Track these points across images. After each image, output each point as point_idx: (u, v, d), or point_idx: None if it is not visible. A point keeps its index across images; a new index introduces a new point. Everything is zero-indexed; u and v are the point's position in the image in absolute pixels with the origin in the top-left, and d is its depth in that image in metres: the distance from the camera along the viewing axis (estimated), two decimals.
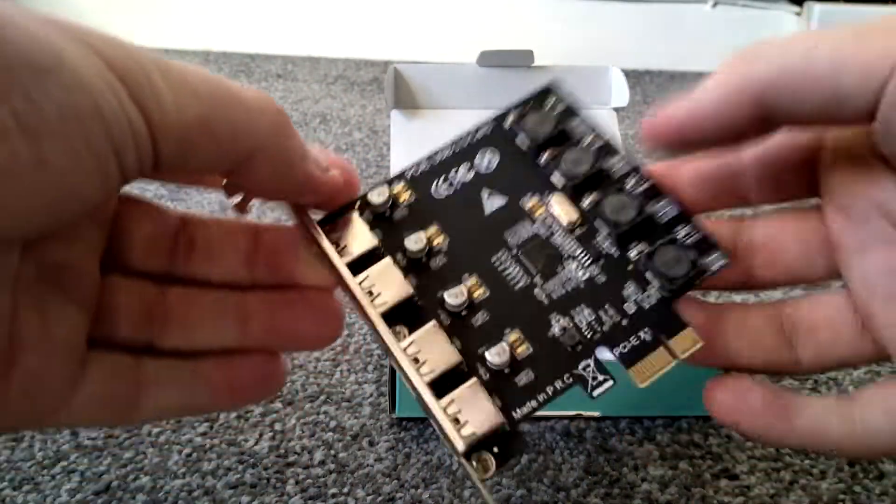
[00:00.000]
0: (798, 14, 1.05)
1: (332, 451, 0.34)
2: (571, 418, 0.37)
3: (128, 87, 0.14)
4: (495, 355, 0.18)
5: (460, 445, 0.17)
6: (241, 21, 1.09)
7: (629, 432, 0.37)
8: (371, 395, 0.38)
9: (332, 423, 0.36)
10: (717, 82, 0.16)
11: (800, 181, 0.20)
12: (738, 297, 0.38)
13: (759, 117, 0.16)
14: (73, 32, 0.14)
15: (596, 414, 0.37)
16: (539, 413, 0.37)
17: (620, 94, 0.52)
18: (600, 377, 0.18)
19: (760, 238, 0.20)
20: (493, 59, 0.51)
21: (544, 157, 0.21)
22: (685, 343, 0.18)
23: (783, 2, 1.06)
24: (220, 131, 0.16)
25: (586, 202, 0.20)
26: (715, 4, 1.06)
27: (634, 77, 1.02)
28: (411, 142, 0.51)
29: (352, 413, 0.37)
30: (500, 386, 0.19)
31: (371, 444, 0.35)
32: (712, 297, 0.32)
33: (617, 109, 0.53)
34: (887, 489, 0.33)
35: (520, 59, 0.52)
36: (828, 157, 0.19)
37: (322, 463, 0.33)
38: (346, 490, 0.32)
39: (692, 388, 0.37)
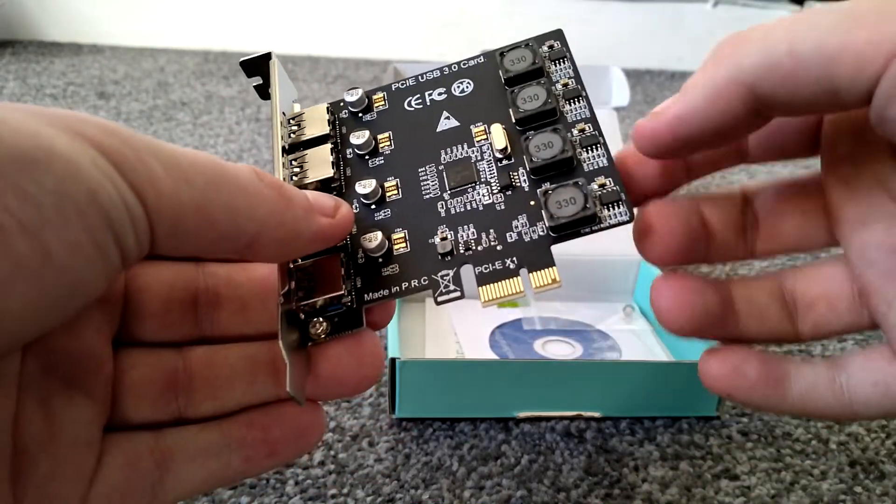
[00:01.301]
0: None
1: (332, 452, 0.34)
2: (571, 419, 0.37)
3: (122, 171, 0.14)
4: (367, 241, 0.20)
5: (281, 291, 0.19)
6: (241, 21, 1.09)
7: (630, 433, 0.37)
8: (371, 395, 0.38)
9: (332, 424, 0.36)
10: (705, 79, 0.16)
11: (800, 142, 0.20)
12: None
13: (751, 111, 0.16)
14: (62, 122, 0.14)
15: (596, 414, 0.37)
16: (538, 413, 0.37)
17: (621, 93, 0.52)
18: (452, 287, 0.19)
19: (762, 212, 0.20)
20: None
21: (512, 89, 0.22)
22: (543, 279, 0.19)
23: (783, 1, 1.06)
24: (217, 217, 0.15)
25: (526, 136, 0.21)
26: (715, 4, 1.06)
27: (635, 77, 1.02)
28: None
29: (351, 413, 0.37)
30: (367, 271, 0.20)
31: (371, 444, 0.35)
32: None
33: (617, 109, 0.53)
34: (888, 489, 0.33)
35: None
36: (830, 127, 0.18)
37: (322, 463, 0.33)
38: (345, 491, 0.32)
39: (693, 389, 0.37)
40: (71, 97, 0.85)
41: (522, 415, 0.37)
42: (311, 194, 0.19)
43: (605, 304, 0.47)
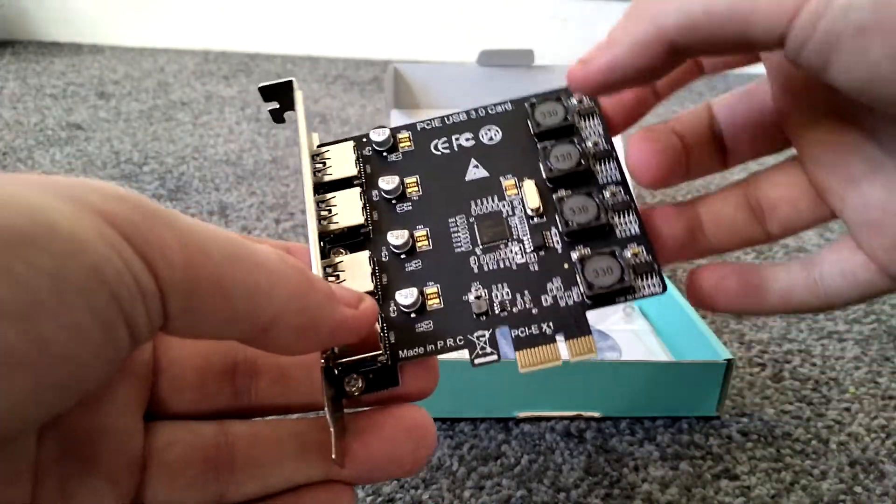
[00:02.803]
0: None
1: None
2: (572, 419, 0.37)
3: (132, 242, 0.13)
4: (402, 297, 0.20)
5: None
6: (241, 21, 1.09)
7: (630, 433, 0.37)
8: None
9: None
10: (628, 34, 0.17)
11: (773, 138, 0.21)
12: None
13: (670, 58, 0.17)
14: (69, 191, 0.13)
15: (596, 414, 0.37)
16: (538, 413, 0.37)
17: None
18: (488, 349, 0.19)
19: (725, 127, 0.21)
20: (493, 59, 0.51)
21: (543, 144, 0.21)
22: (580, 348, 0.19)
23: None
24: (234, 293, 0.14)
25: (558, 195, 0.21)
26: None
27: None
28: None
29: None
30: (401, 325, 0.20)
31: None
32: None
33: None
34: (888, 489, 0.33)
35: (520, 59, 0.52)
36: (790, 117, 0.20)
37: None
38: None
39: (693, 389, 0.37)
40: (71, 97, 0.85)
41: (522, 415, 0.37)
42: (334, 285, 0.18)
43: None
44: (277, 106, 0.22)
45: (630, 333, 0.44)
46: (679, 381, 0.36)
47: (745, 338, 0.44)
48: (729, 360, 0.35)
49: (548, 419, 0.37)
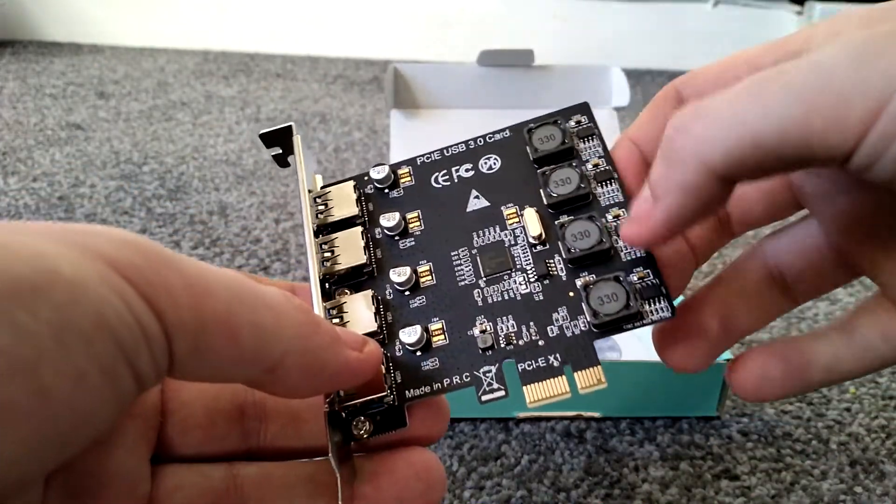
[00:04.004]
0: (799, 13, 1.05)
1: None
2: (572, 419, 0.37)
3: (136, 285, 0.13)
4: (406, 335, 0.19)
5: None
6: (241, 21, 1.09)
7: (630, 433, 0.37)
8: None
9: None
10: (675, 182, 0.16)
11: (779, 204, 0.20)
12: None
13: (724, 189, 0.16)
14: (72, 238, 0.13)
15: (596, 414, 0.37)
16: (538, 413, 0.37)
17: (621, 93, 0.52)
18: (495, 385, 0.19)
19: (784, 272, 0.20)
20: (493, 59, 0.51)
21: (543, 170, 0.21)
22: (588, 379, 0.18)
23: (784, 1, 1.05)
24: (241, 333, 0.14)
25: (560, 221, 0.20)
26: (716, 4, 1.06)
27: (635, 77, 1.02)
28: (411, 141, 0.51)
29: None
30: (407, 364, 0.20)
31: None
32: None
33: (618, 109, 0.53)
34: (888, 489, 0.33)
35: (520, 59, 0.52)
36: (805, 187, 0.19)
37: None
38: None
39: (693, 389, 0.37)
40: (71, 97, 0.85)
41: (522, 415, 0.36)
42: (338, 329, 0.18)
43: None
44: (280, 151, 0.22)
45: (630, 333, 0.44)
46: (679, 381, 0.36)
47: (745, 338, 0.44)
48: (729, 360, 0.35)
49: (548, 419, 0.37)
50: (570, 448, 0.35)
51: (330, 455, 0.17)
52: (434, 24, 1.09)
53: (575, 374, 0.18)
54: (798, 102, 0.14)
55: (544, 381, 0.18)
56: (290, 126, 0.22)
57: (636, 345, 0.43)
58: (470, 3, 1.08)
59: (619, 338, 0.43)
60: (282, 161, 0.22)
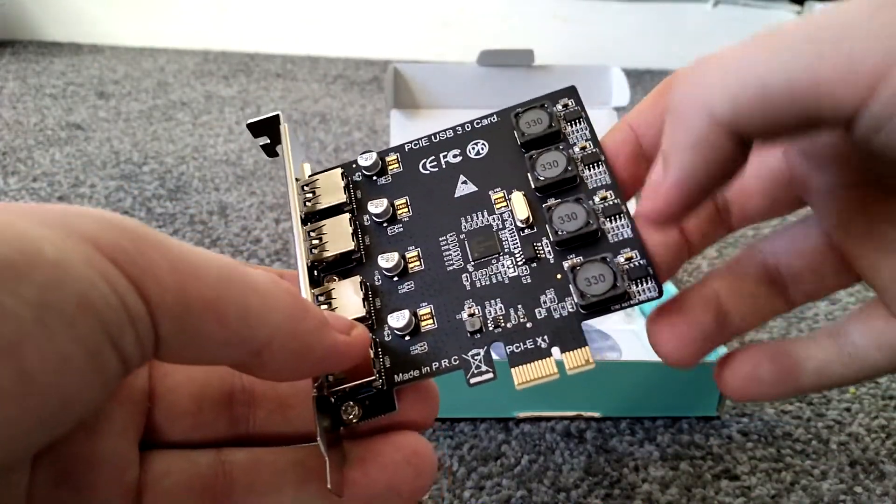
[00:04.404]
0: (799, 13, 1.05)
1: None
2: (571, 419, 0.37)
3: (121, 266, 0.13)
4: (394, 320, 0.20)
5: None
6: (241, 21, 1.09)
7: (630, 433, 0.37)
8: None
9: None
10: (682, 135, 0.15)
11: (781, 201, 0.20)
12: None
13: (738, 147, 0.15)
14: (58, 219, 0.13)
15: (596, 414, 0.37)
16: (538, 413, 0.37)
17: (621, 93, 0.52)
18: (483, 368, 0.19)
19: (783, 271, 0.20)
20: (493, 59, 0.51)
21: (530, 153, 0.21)
22: (576, 360, 0.18)
23: (784, 1, 1.05)
24: (227, 315, 0.14)
25: (547, 204, 0.20)
26: (716, 4, 1.06)
27: (635, 77, 1.02)
28: None
29: None
30: (395, 349, 0.20)
31: None
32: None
33: (617, 109, 0.53)
34: (888, 489, 0.33)
35: (520, 59, 0.52)
36: (808, 184, 0.19)
37: None
38: None
39: (693, 389, 0.37)
40: (71, 97, 0.85)
41: (522, 415, 0.36)
42: (326, 313, 0.18)
43: None
44: (268, 141, 0.22)
45: (630, 333, 0.44)
46: (679, 381, 0.36)
47: (745, 338, 0.44)
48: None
49: (548, 419, 0.37)
50: (570, 448, 0.35)
51: (318, 440, 0.17)
52: (434, 24, 1.09)
53: (563, 354, 0.18)
54: (808, 51, 0.13)
55: (532, 363, 0.18)
56: (277, 115, 0.22)
57: (636, 345, 0.43)
58: (470, 3, 1.08)
59: (618, 338, 0.43)
60: (269, 151, 0.22)
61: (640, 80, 1.00)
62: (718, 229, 0.20)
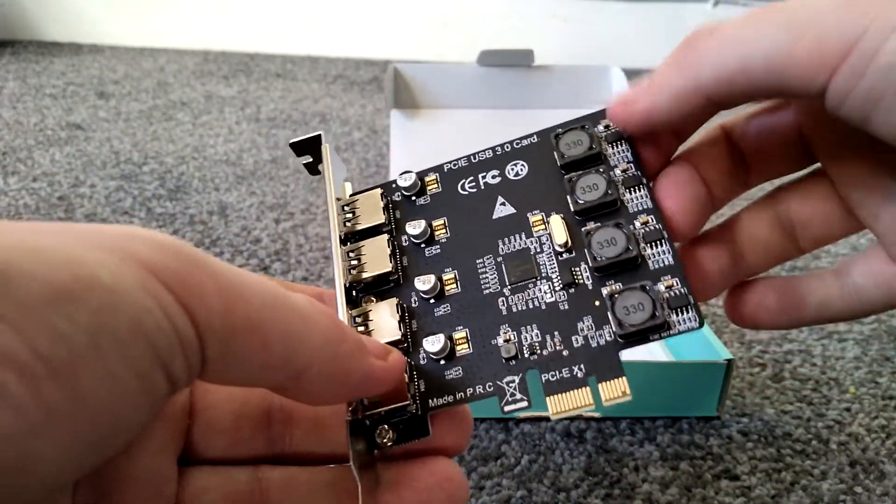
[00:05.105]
0: None
1: None
2: (572, 419, 0.37)
3: (172, 290, 0.13)
4: (430, 344, 0.19)
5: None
6: (241, 21, 1.09)
7: (630, 433, 0.37)
8: None
9: None
10: (668, 83, 0.18)
11: (799, 157, 0.21)
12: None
13: (706, 109, 0.18)
14: (112, 241, 0.13)
15: (597, 414, 0.37)
16: (539, 413, 0.37)
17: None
18: (518, 396, 0.19)
19: (745, 148, 0.21)
20: (493, 59, 0.51)
21: (569, 176, 0.21)
22: (613, 391, 0.18)
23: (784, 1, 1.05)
24: (271, 338, 0.14)
25: (586, 228, 0.20)
26: (716, 4, 1.06)
27: (635, 77, 1.02)
28: (411, 141, 0.51)
29: None
30: (430, 373, 0.20)
31: None
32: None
33: None
34: (888, 489, 0.33)
35: (520, 59, 0.52)
36: (818, 140, 0.20)
37: None
38: None
39: (693, 389, 0.37)
40: (71, 97, 0.85)
41: (522, 415, 0.36)
42: (363, 337, 0.18)
43: None
44: (311, 160, 0.22)
45: None
46: (679, 381, 0.36)
47: (745, 338, 0.44)
48: (729, 360, 0.35)
49: (548, 419, 0.37)
50: (570, 448, 0.35)
51: (351, 463, 0.17)
52: (434, 24, 1.09)
53: (599, 385, 0.18)
54: (785, 32, 0.15)
55: (568, 393, 0.18)
56: (319, 135, 0.22)
57: None
58: (470, 3, 1.08)
59: None
60: (312, 169, 0.22)
61: (640, 80, 1.00)
62: (739, 185, 0.22)
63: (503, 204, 0.22)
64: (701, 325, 0.18)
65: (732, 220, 0.22)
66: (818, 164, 0.21)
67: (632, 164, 0.21)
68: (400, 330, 0.20)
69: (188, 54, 1.05)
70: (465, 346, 0.20)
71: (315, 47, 1.09)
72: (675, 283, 0.19)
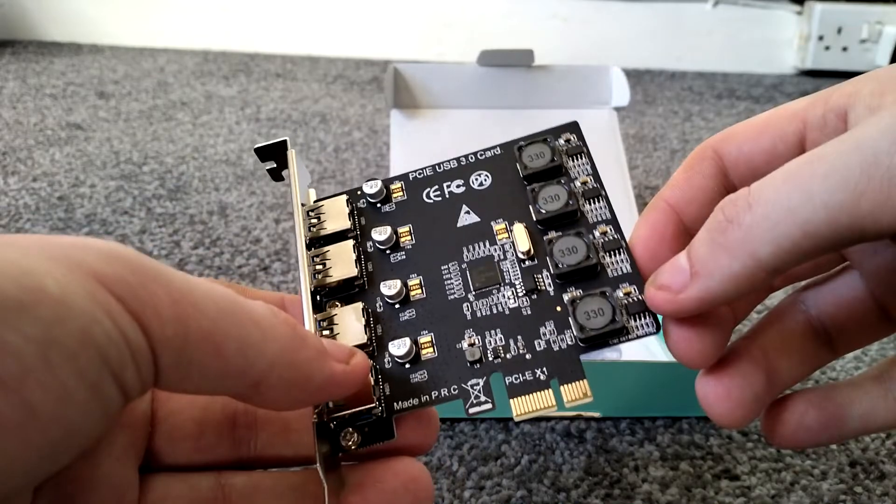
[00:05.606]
0: (799, 13, 1.05)
1: None
2: (571, 419, 0.37)
3: (122, 300, 0.13)
4: (395, 347, 0.20)
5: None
6: (241, 21, 1.09)
7: (630, 433, 0.37)
8: None
9: None
10: (720, 266, 0.16)
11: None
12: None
13: (769, 280, 0.16)
14: (62, 252, 0.13)
15: (597, 415, 0.37)
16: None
17: (621, 93, 0.52)
18: (482, 398, 0.19)
19: (826, 324, 0.20)
20: (493, 59, 0.51)
21: (532, 186, 0.21)
22: (575, 393, 0.18)
23: (784, 1, 1.05)
24: (226, 347, 0.14)
25: (548, 237, 0.21)
26: (715, 4, 1.06)
27: (635, 76, 1.02)
28: (411, 141, 0.51)
29: None
30: (395, 376, 0.20)
31: None
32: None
33: (617, 109, 0.53)
34: (888, 490, 0.33)
35: (520, 59, 0.52)
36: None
37: None
38: None
39: (693, 389, 0.37)
40: (71, 97, 0.85)
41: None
42: (326, 341, 0.18)
43: None
44: (275, 165, 0.22)
45: None
46: (679, 381, 0.36)
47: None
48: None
49: (548, 419, 0.37)
50: (570, 448, 0.35)
51: (317, 465, 0.17)
52: (434, 24, 1.09)
53: (561, 387, 0.19)
54: (844, 189, 0.14)
55: (531, 395, 0.19)
56: (284, 140, 0.22)
57: (636, 344, 0.43)
58: (470, 3, 1.08)
59: None
60: (276, 175, 0.23)
61: (640, 80, 1.00)
62: (762, 293, 0.21)
63: (468, 212, 0.22)
64: (658, 330, 0.19)
65: (758, 329, 0.20)
66: (846, 263, 0.20)
67: (591, 177, 0.21)
68: (365, 334, 0.20)
69: (188, 54, 1.05)
70: (430, 349, 0.20)
71: (315, 47, 1.09)
72: (632, 290, 0.19)
